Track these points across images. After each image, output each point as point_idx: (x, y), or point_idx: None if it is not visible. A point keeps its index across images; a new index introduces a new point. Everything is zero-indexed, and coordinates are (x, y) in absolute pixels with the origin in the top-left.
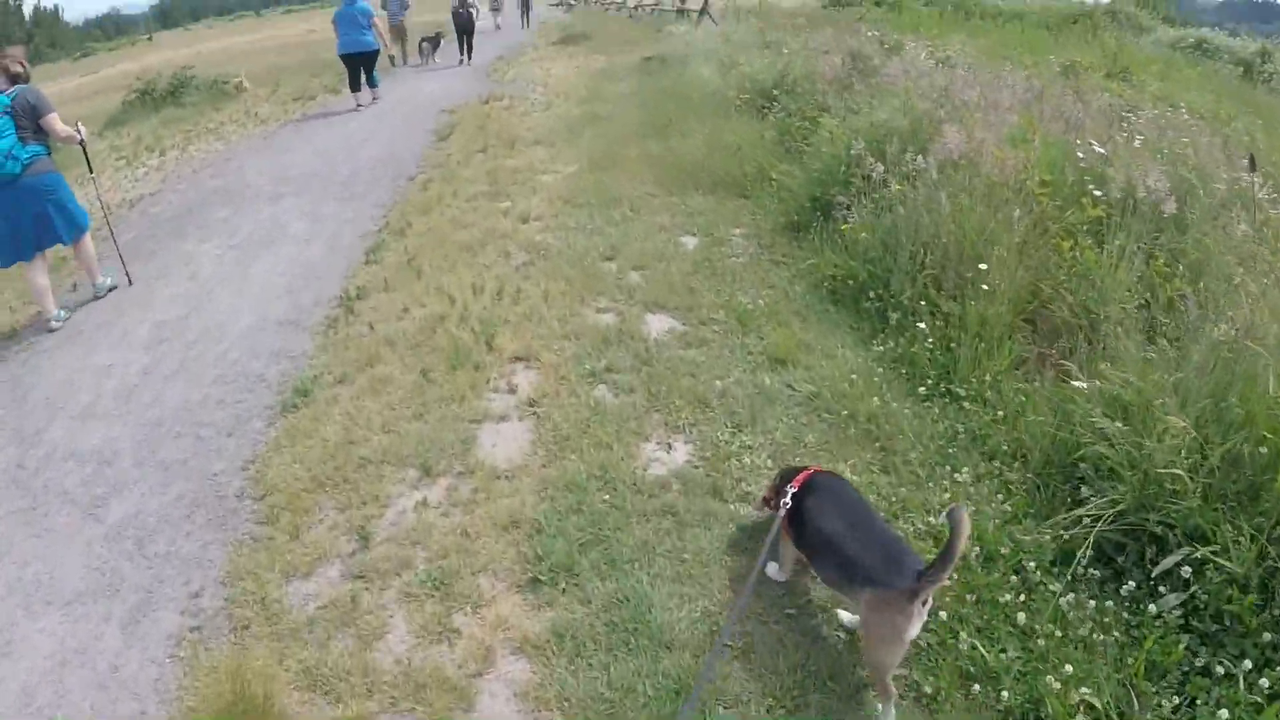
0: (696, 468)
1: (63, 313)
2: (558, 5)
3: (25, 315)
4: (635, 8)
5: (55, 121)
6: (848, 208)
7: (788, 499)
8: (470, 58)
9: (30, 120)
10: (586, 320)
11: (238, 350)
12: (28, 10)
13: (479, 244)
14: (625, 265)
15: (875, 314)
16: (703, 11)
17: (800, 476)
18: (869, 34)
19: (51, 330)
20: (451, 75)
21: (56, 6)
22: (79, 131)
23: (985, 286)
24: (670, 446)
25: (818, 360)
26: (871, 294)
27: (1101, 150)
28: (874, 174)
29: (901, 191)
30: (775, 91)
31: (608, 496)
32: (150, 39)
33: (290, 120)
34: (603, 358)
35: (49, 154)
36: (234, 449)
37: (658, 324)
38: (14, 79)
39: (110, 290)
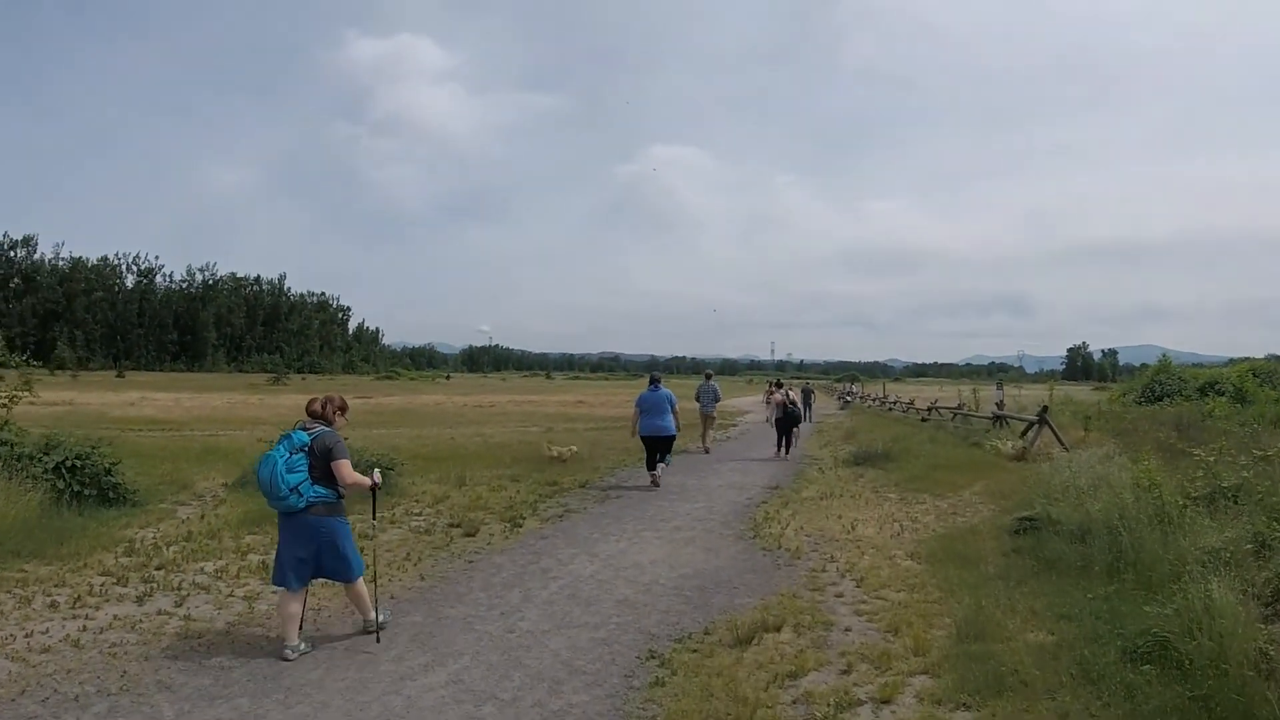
0: None
1: (302, 645)
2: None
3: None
4: (929, 410)
5: (341, 468)
6: None
7: None
8: (787, 451)
9: (322, 463)
10: None
11: None
12: (352, 325)
13: None
14: None
15: None
16: (1040, 422)
17: None
18: None
19: (285, 660)
20: (705, 512)
21: (378, 329)
22: (374, 478)
23: None
24: None
25: None
26: None
27: None
28: None
29: None
30: None
31: None
32: (448, 378)
33: (436, 568)
34: None
35: (339, 499)
36: None
37: None
38: (314, 418)
39: (381, 627)
